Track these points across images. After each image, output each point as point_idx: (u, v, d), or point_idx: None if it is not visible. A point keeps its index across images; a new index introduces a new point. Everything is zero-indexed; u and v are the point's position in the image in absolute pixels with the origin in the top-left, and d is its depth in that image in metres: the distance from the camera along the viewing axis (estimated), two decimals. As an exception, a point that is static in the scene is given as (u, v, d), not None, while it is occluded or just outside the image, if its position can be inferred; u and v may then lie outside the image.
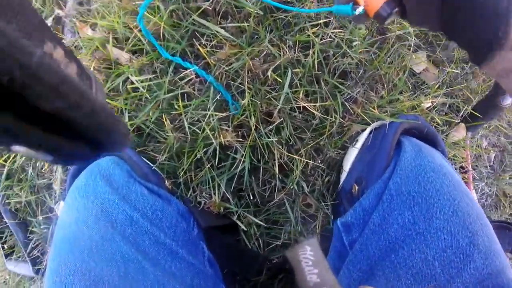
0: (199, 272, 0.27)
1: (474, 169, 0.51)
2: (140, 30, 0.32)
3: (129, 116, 0.33)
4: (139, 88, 0.32)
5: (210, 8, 0.32)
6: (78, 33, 0.41)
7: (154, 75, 0.33)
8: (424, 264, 0.23)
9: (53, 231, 0.36)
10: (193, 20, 0.32)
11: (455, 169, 0.44)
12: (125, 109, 0.33)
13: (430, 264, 0.23)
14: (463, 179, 0.38)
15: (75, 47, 0.40)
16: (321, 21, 0.33)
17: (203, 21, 0.31)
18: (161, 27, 0.31)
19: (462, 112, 0.42)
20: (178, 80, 0.32)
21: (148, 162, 0.32)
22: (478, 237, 0.23)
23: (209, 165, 0.31)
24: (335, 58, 0.33)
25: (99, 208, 0.26)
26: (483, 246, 0.22)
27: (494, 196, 0.55)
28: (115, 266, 0.24)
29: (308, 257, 0.25)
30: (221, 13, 0.32)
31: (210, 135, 0.30)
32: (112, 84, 0.33)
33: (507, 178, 0.55)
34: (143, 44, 0.33)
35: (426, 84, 0.40)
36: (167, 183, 0.31)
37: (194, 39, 0.33)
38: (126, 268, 0.24)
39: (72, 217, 0.26)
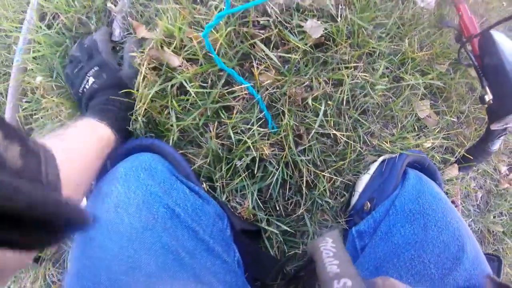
0: (231, 270, 0.31)
1: (462, 206, 0.61)
2: (199, 42, 0.39)
3: (177, 117, 0.39)
4: (190, 94, 0.39)
5: (264, 36, 0.41)
6: (128, 31, 0.48)
7: (204, 84, 0.40)
8: (421, 266, 0.30)
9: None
10: (250, 43, 0.40)
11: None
12: (172, 109, 0.39)
13: (426, 266, 0.30)
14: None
15: (121, 43, 0.47)
16: (352, 64, 0.42)
17: (263, 46, 0.39)
18: (219, 43, 0.39)
19: (456, 154, 0.53)
20: (226, 93, 0.40)
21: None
22: (466, 246, 0.30)
23: (245, 174, 0.38)
24: (359, 97, 0.42)
25: (140, 198, 0.28)
26: (471, 253, 0.30)
27: (479, 232, 0.65)
28: (154, 255, 0.26)
29: (330, 248, 0.31)
30: (272, 43, 0.41)
31: (251, 146, 0.37)
32: (161, 85, 0.40)
33: (491, 217, 0.66)
34: (197, 55, 0.40)
35: (428, 127, 0.50)
36: (204, 185, 0.37)
37: (243, 61, 0.41)
38: (165, 258, 0.26)
39: (110, 204, 0.28)
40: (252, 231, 0.38)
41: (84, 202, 0.44)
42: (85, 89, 0.39)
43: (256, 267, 0.37)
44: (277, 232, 0.39)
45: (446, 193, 0.54)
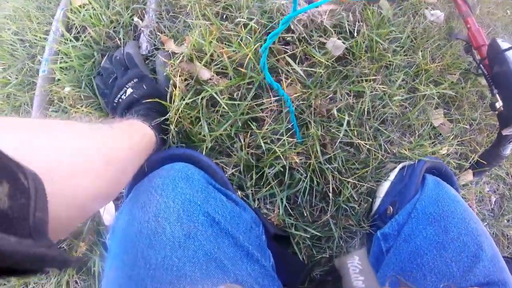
0: (268, 275, 0.33)
1: (478, 210, 0.65)
2: (229, 57, 0.44)
3: (209, 127, 0.43)
4: (221, 105, 0.43)
5: (290, 53, 0.46)
6: (154, 45, 0.52)
7: (233, 96, 0.44)
8: (443, 265, 0.33)
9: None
10: (276, 58, 0.45)
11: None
12: (204, 119, 0.43)
13: (448, 265, 0.33)
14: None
15: (148, 56, 0.51)
16: (371, 77, 0.47)
17: (290, 60, 0.44)
18: (248, 57, 0.44)
19: (470, 159, 0.57)
20: (255, 105, 0.44)
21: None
22: (484, 245, 0.34)
23: (274, 182, 0.42)
24: (379, 108, 0.47)
25: (180, 207, 0.30)
26: (489, 251, 0.34)
27: (494, 236, 0.69)
28: (198, 263, 0.27)
29: (356, 265, 0.34)
30: (297, 58, 0.46)
31: (281, 155, 0.41)
32: (191, 97, 0.44)
33: (505, 221, 0.71)
34: (227, 69, 0.44)
35: (442, 135, 0.55)
36: (239, 193, 0.41)
37: (271, 74, 0.46)
38: (208, 266, 0.28)
39: (150, 213, 0.29)
40: (282, 236, 0.42)
41: (111, 205, 0.48)
42: (121, 99, 0.43)
43: (285, 271, 0.40)
44: (305, 236, 0.43)
45: (463, 197, 0.58)
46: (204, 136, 0.43)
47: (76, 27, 0.54)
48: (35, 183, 0.15)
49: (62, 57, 0.52)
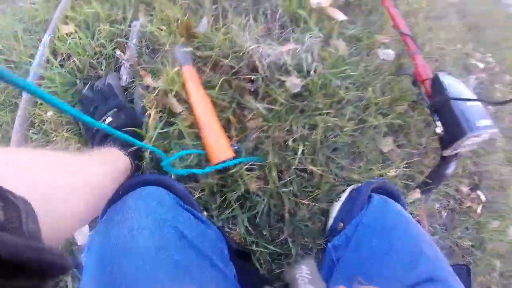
0: (232, 284, 0.40)
1: (430, 225, 0.77)
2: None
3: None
4: (185, 137, 0.52)
5: (252, 90, 0.56)
6: (133, 78, 0.61)
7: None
8: (388, 269, 0.40)
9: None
10: (240, 96, 0.55)
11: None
12: (176, 150, 0.52)
13: (392, 269, 0.40)
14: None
15: (130, 87, 0.60)
16: (325, 111, 0.58)
17: (251, 99, 0.54)
18: (214, 97, 0.53)
19: (417, 180, 0.69)
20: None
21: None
22: (425, 249, 0.40)
23: (236, 204, 0.51)
24: (331, 138, 0.58)
25: (152, 223, 0.35)
26: (430, 254, 0.40)
27: (448, 248, 0.81)
28: (168, 271, 0.32)
29: (305, 275, 0.41)
30: (259, 95, 0.56)
31: (241, 183, 0.51)
32: (163, 128, 0.53)
33: (458, 233, 0.83)
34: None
35: (391, 160, 0.66)
36: (204, 213, 0.50)
37: (237, 107, 0.56)
38: (177, 273, 0.33)
39: (125, 229, 0.34)
40: (244, 253, 0.51)
41: (86, 228, 0.55)
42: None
43: (248, 285, 0.48)
44: (265, 251, 0.52)
45: (412, 213, 0.69)
46: (174, 163, 0.52)
47: (61, 54, 0.62)
48: (23, 201, 0.17)
49: (46, 82, 0.60)
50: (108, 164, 0.39)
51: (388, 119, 0.66)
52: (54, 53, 0.63)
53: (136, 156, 0.50)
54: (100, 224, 0.38)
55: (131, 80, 0.62)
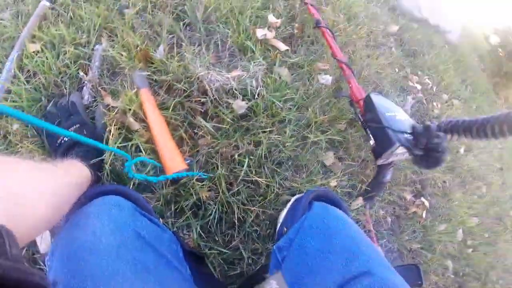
0: (186, 280, 0.45)
1: (376, 231, 0.86)
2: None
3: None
4: (143, 152, 0.59)
5: (202, 111, 0.65)
6: (94, 97, 0.68)
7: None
8: (329, 264, 0.45)
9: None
10: (192, 116, 0.64)
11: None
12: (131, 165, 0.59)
13: (333, 263, 0.45)
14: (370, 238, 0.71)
15: (91, 106, 0.67)
16: (268, 129, 0.68)
17: (201, 119, 0.63)
18: (168, 117, 0.62)
19: (359, 188, 0.79)
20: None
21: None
22: (363, 247, 0.44)
23: (190, 212, 0.58)
24: (274, 153, 0.67)
25: (113, 225, 0.39)
26: (367, 252, 0.45)
27: (396, 250, 0.90)
28: (128, 265, 0.36)
29: None
30: (209, 115, 0.65)
31: (193, 192, 0.58)
32: (123, 142, 0.60)
33: (406, 237, 0.92)
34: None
35: (333, 172, 0.76)
36: (160, 220, 0.56)
37: (188, 126, 0.64)
38: (136, 267, 0.37)
39: (88, 231, 0.38)
40: (198, 256, 0.57)
41: (47, 234, 0.58)
42: (63, 141, 0.56)
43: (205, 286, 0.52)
44: (218, 256, 0.59)
45: (357, 221, 0.78)
46: (132, 178, 0.59)
47: (28, 71, 0.68)
48: (5, 229, 0.20)
49: (12, 96, 0.65)
50: (71, 174, 0.44)
51: (328, 135, 0.77)
52: (20, 69, 0.67)
53: (97, 168, 0.56)
54: (64, 230, 0.41)
55: (93, 99, 0.69)
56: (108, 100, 0.66)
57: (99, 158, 0.57)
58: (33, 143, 0.63)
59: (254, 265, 0.63)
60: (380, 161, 0.76)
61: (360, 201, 0.80)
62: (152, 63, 0.69)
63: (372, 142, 0.74)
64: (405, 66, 1.19)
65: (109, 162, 0.58)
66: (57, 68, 0.68)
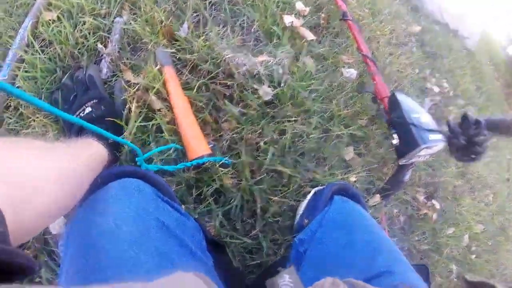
0: (210, 271, 0.43)
1: (388, 229, 0.87)
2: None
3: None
4: (164, 132, 0.58)
5: (228, 94, 0.64)
6: (113, 72, 0.66)
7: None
8: (349, 260, 0.46)
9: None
10: (216, 99, 0.63)
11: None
12: (153, 143, 0.58)
13: (353, 259, 0.46)
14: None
15: (109, 81, 0.65)
16: (293, 118, 0.67)
17: (228, 103, 0.62)
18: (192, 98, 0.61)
19: (377, 186, 0.79)
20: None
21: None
22: (383, 245, 0.45)
23: (212, 199, 0.58)
24: (298, 143, 0.67)
25: (135, 213, 0.37)
26: (388, 250, 0.45)
27: (406, 250, 0.91)
28: (151, 256, 0.35)
29: (287, 283, 0.44)
30: (234, 100, 0.64)
31: (216, 178, 0.58)
32: (142, 122, 0.59)
33: (416, 237, 0.93)
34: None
35: (352, 167, 0.76)
36: (182, 207, 0.55)
37: (213, 110, 0.63)
38: (159, 258, 0.35)
39: (109, 218, 0.36)
40: (219, 245, 0.56)
41: (60, 222, 0.57)
42: (79, 116, 0.54)
43: (223, 277, 0.48)
44: (239, 245, 0.58)
45: (373, 215, 0.78)
46: (154, 157, 0.58)
47: (43, 40, 0.65)
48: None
49: (26, 66, 0.62)
50: (87, 155, 0.42)
51: (350, 130, 0.77)
52: (35, 38, 0.64)
53: (114, 147, 0.53)
54: (79, 213, 0.40)
55: (111, 74, 0.67)
56: (129, 75, 0.64)
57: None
58: (46, 117, 0.61)
59: (273, 255, 0.63)
60: (402, 161, 0.76)
61: (377, 198, 0.80)
62: (176, 41, 0.67)
63: (395, 141, 0.74)
64: (425, 67, 1.20)
65: (126, 145, 0.56)
66: (74, 38, 0.65)
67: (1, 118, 0.62)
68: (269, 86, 0.68)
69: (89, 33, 0.67)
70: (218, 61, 0.65)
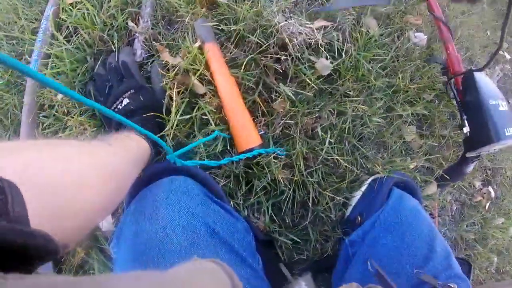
0: (259, 277, 0.42)
1: (439, 216, 0.81)
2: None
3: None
4: (211, 122, 0.51)
5: (280, 70, 0.55)
6: (149, 52, 0.58)
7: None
8: (399, 266, 0.45)
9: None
10: (267, 76, 0.54)
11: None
12: (198, 135, 0.52)
13: (403, 265, 0.45)
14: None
15: (146, 63, 0.57)
16: (354, 98, 0.58)
17: (281, 84, 0.53)
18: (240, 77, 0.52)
19: (436, 174, 0.71)
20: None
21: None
22: (436, 248, 0.45)
23: (262, 193, 0.52)
24: (358, 126, 0.58)
25: (185, 219, 0.37)
26: (440, 254, 0.45)
27: (453, 239, 0.86)
28: None
29: None
30: (288, 77, 0.55)
31: (268, 172, 0.51)
32: (186, 110, 0.52)
33: (465, 226, 0.88)
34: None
35: (413, 150, 0.68)
36: (231, 202, 0.50)
37: (263, 88, 0.55)
38: None
39: (158, 226, 0.36)
40: (267, 241, 0.53)
41: (109, 218, 0.55)
42: (117, 109, 0.50)
43: (271, 272, 0.48)
44: (286, 241, 0.54)
45: (426, 206, 0.72)
46: (198, 148, 0.51)
47: (67, 28, 0.57)
48: (9, 184, 0.18)
49: (53, 60, 0.56)
50: (127, 151, 0.39)
51: (415, 109, 0.66)
52: (58, 27, 0.58)
53: (156, 143, 0.48)
54: (129, 215, 0.39)
55: (147, 55, 0.58)
56: (166, 56, 0.55)
57: (160, 134, 0.49)
58: (82, 114, 0.55)
59: (321, 249, 0.59)
60: (470, 154, 0.66)
61: (434, 187, 0.73)
62: (217, 8, 0.56)
63: (466, 129, 0.64)
64: (496, 28, 1.01)
65: (171, 135, 0.50)
66: (101, 20, 0.57)
67: (36, 120, 0.56)
68: (327, 58, 0.57)
69: (117, 11, 0.58)
70: (269, 30, 0.54)
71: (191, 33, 0.54)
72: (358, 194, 0.60)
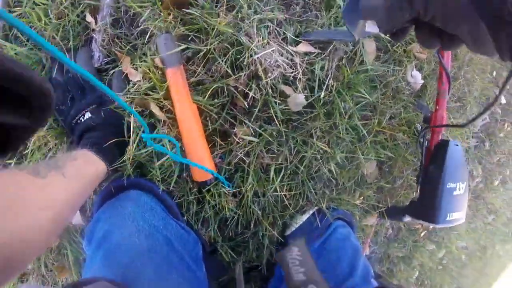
0: (202, 283, 0.52)
1: (370, 245, 0.89)
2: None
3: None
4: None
5: (247, 103, 0.52)
6: (108, 56, 0.52)
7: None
8: (335, 277, 0.53)
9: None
10: (231, 105, 0.51)
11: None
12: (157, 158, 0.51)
13: (328, 281, 0.49)
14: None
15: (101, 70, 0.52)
16: (320, 137, 0.57)
17: (238, 115, 0.51)
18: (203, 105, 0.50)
19: (378, 210, 0.77)
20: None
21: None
22: (358, 268, 0.54)
23: (212, 211, 0.55)
24: (313, 166, 0.59)
25: (147, 230, 0.47)
26: (361, 272, 0.54)
27: (380, 256, 0.97)
28: (156, 266, 0.44)
29: (295, 257, 0.45)
30: (257, 108, 0.52)
31: (218, 201, 0.54)
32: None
33: (395, 245, 0.98)
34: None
35: (366, 182, 0.71)
36: (185, 217, 0.55)
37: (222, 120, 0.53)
38: (161, 271, 0.44)
39: (125, 234, 0.45)
40: (213, 249, 0.62)
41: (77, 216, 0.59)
42: (79, 121, 0.49)
43: (216, 271, 0.62)
44: (228, 249, 0.61)
45: (362, 229, 0.79)
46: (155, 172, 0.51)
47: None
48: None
49: None
50: (82, 183, 0.41)
51: (379, 155, 0.67)
52: (8, 28, 0.52)
53: (113, 158, 0.50)
54: (100, 221, 0.48)
55: (105, 59, 0.53)
56: (127, 66, 0.50)
57: (119, 156, 0.51)
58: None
59: (257, 257, 0.66)
60: (407, 219, 0.69)
61: (374, 219, 0.79)
62: (187, 15, 0.49)
63: (415, 195, 0.66)
64: (505, 71, 0.95)
65: (130, 158, 0.50)
66: (53, 14, 0.50)
67: None
68: (304, 89, 0.54)
69: (72, 3, 0.50)
70: (243, 55, 0.49)
71: (153, 46, 0.48)
72: (299, 221, 0.65)
